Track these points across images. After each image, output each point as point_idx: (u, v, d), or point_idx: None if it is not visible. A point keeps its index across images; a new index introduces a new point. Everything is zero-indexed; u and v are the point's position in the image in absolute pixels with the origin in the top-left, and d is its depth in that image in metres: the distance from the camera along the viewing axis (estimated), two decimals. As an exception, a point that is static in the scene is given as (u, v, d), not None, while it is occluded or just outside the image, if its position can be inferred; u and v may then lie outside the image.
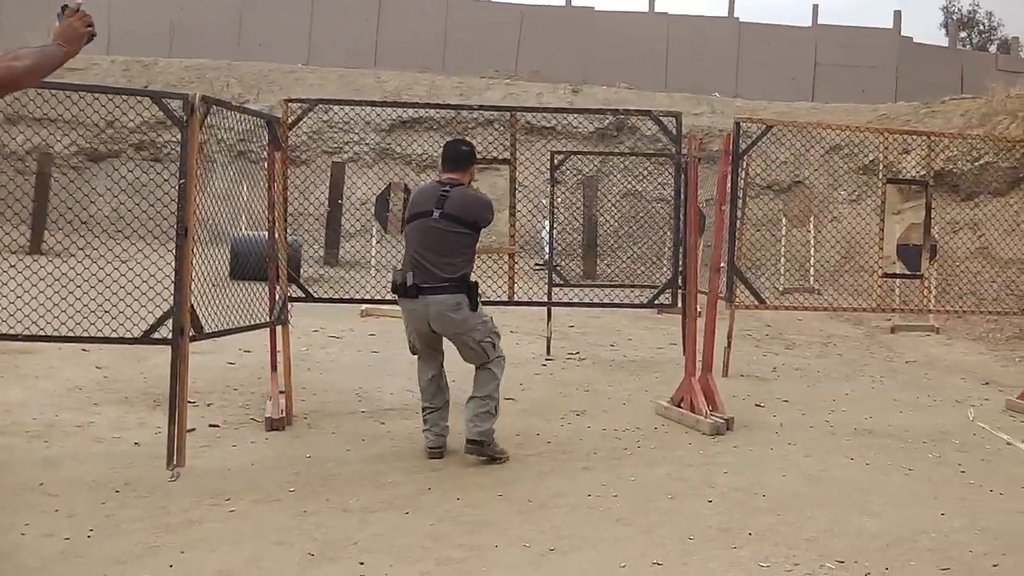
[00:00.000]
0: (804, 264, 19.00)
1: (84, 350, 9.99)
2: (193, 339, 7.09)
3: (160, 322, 7.23)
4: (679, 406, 8.88)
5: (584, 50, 28.16)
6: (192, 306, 7.00)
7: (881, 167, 9.51)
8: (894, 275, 9.88)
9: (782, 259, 19.39)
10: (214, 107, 7.31)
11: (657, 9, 29.19)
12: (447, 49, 28.02)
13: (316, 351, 11.57)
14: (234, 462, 7.03)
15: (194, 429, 7.59)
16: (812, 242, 18.62)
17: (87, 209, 17.22)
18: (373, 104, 9.76)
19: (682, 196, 9.24)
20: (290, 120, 8.80)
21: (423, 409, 7.52)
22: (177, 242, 6.88)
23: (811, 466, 7.44)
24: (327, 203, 19.66)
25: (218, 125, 7.61)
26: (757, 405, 9.56)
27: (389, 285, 7.49)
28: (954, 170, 19.38)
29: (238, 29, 29.08)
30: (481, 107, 10.78)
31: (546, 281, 12.37)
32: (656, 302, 8.86)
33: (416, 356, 7.58)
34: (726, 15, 29.10)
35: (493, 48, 27.83)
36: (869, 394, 10.37)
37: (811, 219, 18.88)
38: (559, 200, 13.63)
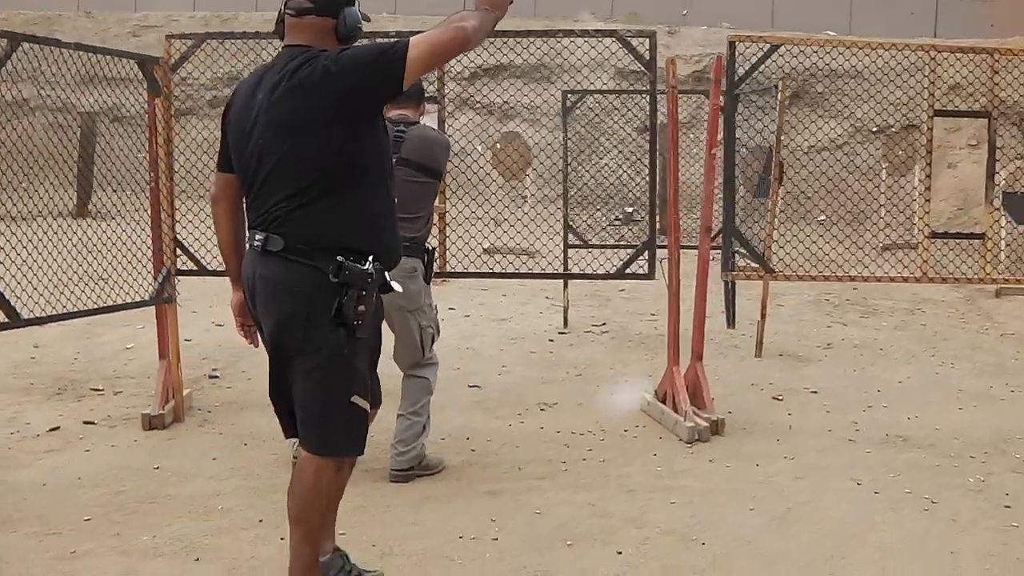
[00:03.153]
0: (910, 217, 16.61)
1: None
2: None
3: None
4: (663, 402, 7.00)
5: (686, -11, 25.92)
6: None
7: (928, 95, 7.35)
8: (945, 235, 7.73)
9: (882, 211, 17.07)
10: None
11: (764, -58, 26.69)
12: (539, -11, 26.03)
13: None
14: (66, 474, 5.81)
15: (58, 428, 6.69)
16: (919, 192, 16.24)
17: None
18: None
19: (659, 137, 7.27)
20: (173, 60, 7.15)
21: None
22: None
23: (796, 495, 5.54)
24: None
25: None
26: (775, 398, 7.62)
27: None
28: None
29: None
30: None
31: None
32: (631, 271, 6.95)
33: None
34: (837, -53, 26.52)
35: (588, -12, 25.76)
36: (929, 382, 8.28)
37: (917, 166, 16.48)
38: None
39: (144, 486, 5.58)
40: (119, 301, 6.81)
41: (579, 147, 15.72)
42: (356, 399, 3.74)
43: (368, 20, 3.88)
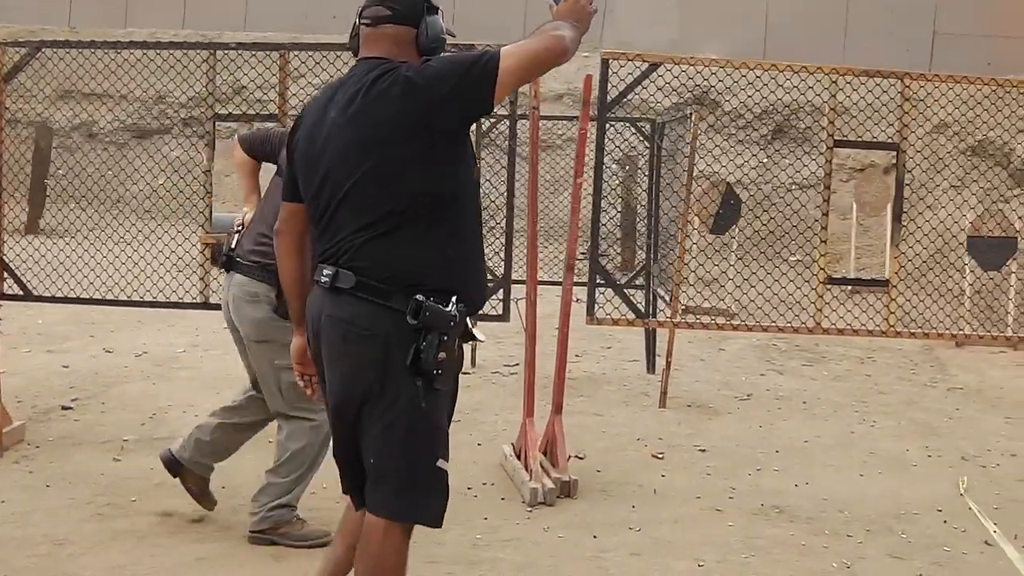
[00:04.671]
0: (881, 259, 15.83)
1: None
2: None
3: None
4: (518, 457, 6.22)
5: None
6: None
7: (826, 122, 6.55)
8: (844, 280, 6.91)
9: (852, 252, 16.27)
10: None
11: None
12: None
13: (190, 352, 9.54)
14: None
15: None
16: (888, 233, 15.45)
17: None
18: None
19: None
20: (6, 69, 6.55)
21: None
22: None
23: (619, 576, 4.72)
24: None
25: None
26: (654, 456, 6.80)
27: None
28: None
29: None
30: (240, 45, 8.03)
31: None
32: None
33: None
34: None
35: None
36: (839, 442, 7.44)
37: (888, 206, 15.69)
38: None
39: None
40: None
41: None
42: (441, 463, 3.32)
43: (452, 36, 3.51)
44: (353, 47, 3.44)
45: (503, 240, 6.47)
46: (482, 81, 3.12)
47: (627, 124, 10.77)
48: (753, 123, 21.07)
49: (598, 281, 6.25)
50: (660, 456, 6.78)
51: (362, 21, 3.38)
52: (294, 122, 3.54)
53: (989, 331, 11.99)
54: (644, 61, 6.17)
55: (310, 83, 21.37)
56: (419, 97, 3.14)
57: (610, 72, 6.13)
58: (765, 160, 19.76)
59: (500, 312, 6.17)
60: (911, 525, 5.72)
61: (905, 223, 15.90)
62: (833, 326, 6.70)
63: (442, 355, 3.16)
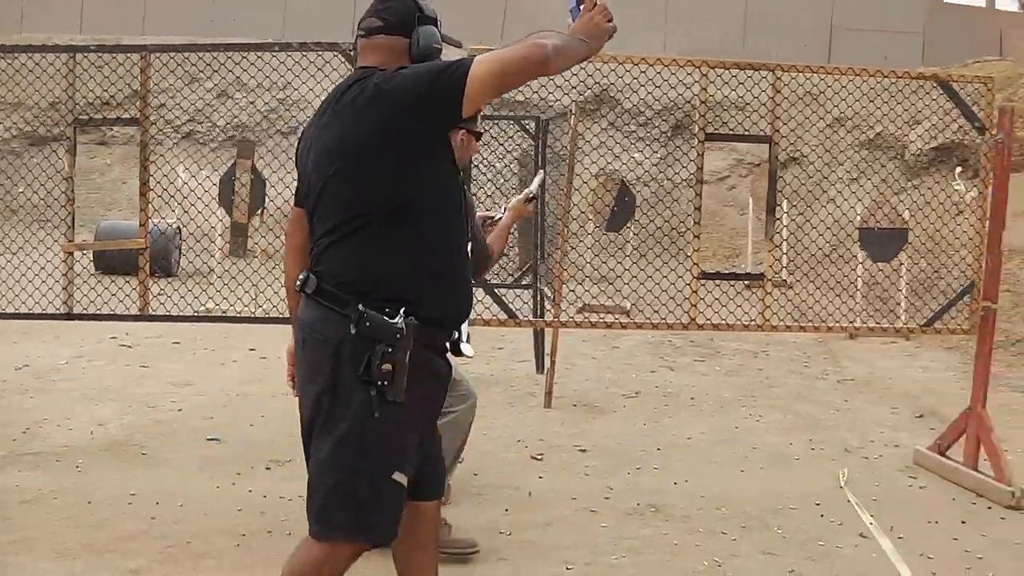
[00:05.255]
0: (780, 253, 15.87)
1: None
2: None
3: None
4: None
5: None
6: None
7: (698, 116, 6.46)
8: (717, 275, 6.81)
9: (749, 247, 16.34)
10: None
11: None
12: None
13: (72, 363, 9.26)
14: None
15: None
16: (784, 227, 15.52)
17: None
18: None
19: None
20: None
21: None
22: None
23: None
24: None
25: None
26: (533, 458, 6.70)
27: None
28: (964, 141, 16.20)
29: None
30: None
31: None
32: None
33: None
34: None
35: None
36: (723, 438, 7.40)
37: (785, 202, 15.78)
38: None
39: None
40: None
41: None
42: (397, 476, 3.18)
43: (459, 45, 3.55)
44: (352, 59, 3.52)
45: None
46: (450, 89, 3.04)
47: (512, 123, 10.63)
48: (653, 120, 21.12)
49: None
50: (539, 457, 6.67)
51: (358, 32, 3.40)
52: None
53: (879, 323, 12.08)
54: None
55: (208, 86, 21.10)
56: (385, 103, 3.09)
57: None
58: (666, 156, 19.77)
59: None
60: (788, 520, 5.67)
61: (795, 217, 16.03)
62: (708, 321, 6.59)
63: (387, 367, 3.07)
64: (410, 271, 3.18)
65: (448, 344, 3.36)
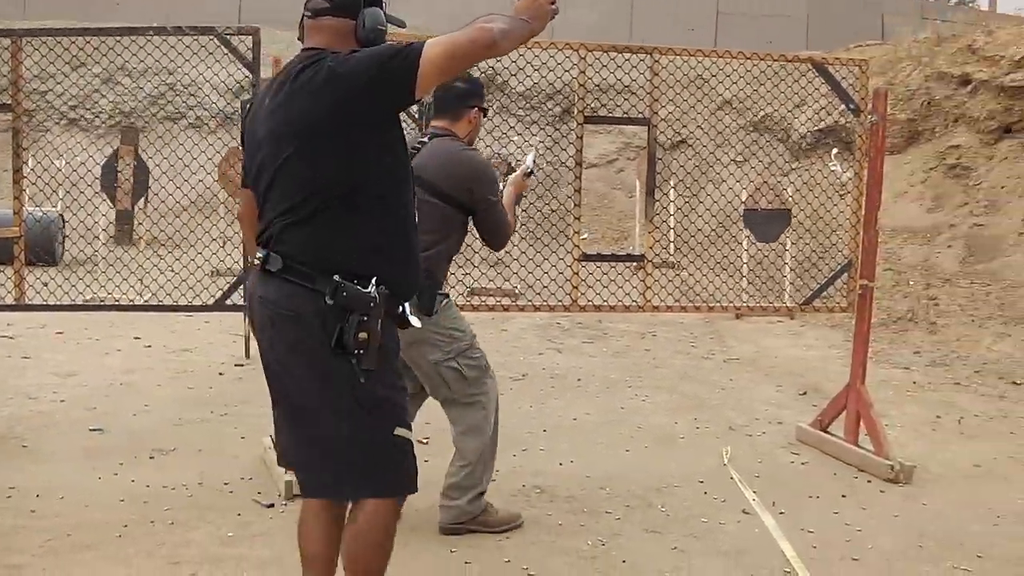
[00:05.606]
0: (666, 235, 16.02)
1: None
2: None
3: None
4: (276, 449, 5.98)
5: None
6: None
7: (577, 99, 6.46)
8: (599, 256, 6.87)
9: (637, 229, 16.45)
10: None
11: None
12: None
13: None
14: None
15: None
16: (673, 209, 15.68)
17: None
18: None
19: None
20: None
21: None
22: None
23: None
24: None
25: None
26: (419, 442, 6.60)
27: None
28: (845, 122, 16.48)
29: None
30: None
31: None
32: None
33: None
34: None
35: None
36: (609, 419, 7.45)
37: (671, 183, 15.92)
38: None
39: None
40: None
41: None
42: (400, 431, 3.43)
43: (402, 25, 3.64)
44: (301, 37, 3.50)
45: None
46: (403, 72, 3.14)
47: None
48: (546, 103, 21.17)
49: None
50: (425, 441, 6.62)
51: (305, 12, 3.46)
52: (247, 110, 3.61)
53: (772, 302, 12.28)
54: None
55: (96, 71, 20.64)
56: (338, 86, 3.18)
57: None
58: (560, 140, 19.81)
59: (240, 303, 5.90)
60: (671, 498, 5.73)
61: (686, 200, 16.20)
62: (590, 303, 6.62)
63: (362, 335, 3.22)
64: (372, 249, 3.33)
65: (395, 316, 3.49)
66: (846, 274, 6.72)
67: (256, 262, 3.37)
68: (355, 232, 3.32)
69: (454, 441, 5.11)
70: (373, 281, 3.28)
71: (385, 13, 3.49)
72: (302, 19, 3.51)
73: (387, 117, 3.33)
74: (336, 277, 3.24)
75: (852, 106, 6.61)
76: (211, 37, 5.98)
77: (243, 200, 3.67)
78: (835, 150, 15.76)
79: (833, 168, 14.70)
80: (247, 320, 9.15)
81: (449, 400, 5.06)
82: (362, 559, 3.47)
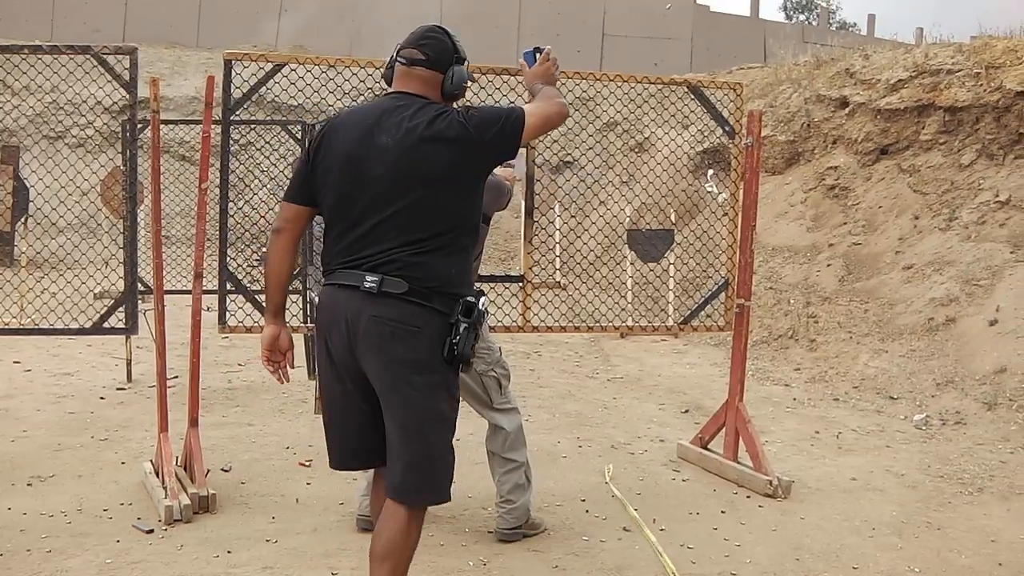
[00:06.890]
0: (550, 252, 16.09)
1: None
2: None
3: None
4: (156, 474, 5.91)
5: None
6: None
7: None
8: (479, 278, 6.86)
9: (522, 249, 16.48)
10: None
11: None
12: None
13: None
14: None
15: None
16: (557, 230, 15.77)
17: None
18: None
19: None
20: None
21: None
22: None
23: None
24: None
25: None
26: (302, 464, 6.63)
27: None
28: (729, 145, 16.73)
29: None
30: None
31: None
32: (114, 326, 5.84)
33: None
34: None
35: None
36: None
37: (557, 204, 16.03)
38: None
39: None
40: None
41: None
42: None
43: (474, 80, 4.18)
44: (387, 77, 3.94)
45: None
46: (513, 134, 3.77)
47: (281, 127, 10.51)
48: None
49: (228, 288, 5.97)
50: (307, 464, 6.59)
51: (399, 59, 3.87)
52: (319, 134, 3.85)
53: (655, 321, 12.41)
54: (268, 62, 5.93)
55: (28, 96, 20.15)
56: (469, 141, 3.67)
57: (233, 73, 5.84)
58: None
59: (127, 326, 5.80)
60: (553, 517, 5.76)
61: (568, 220, 16.33)
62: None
63: (477, 345, 3.72)
64: (463, 273, 3.78)
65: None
66: (724, 293, 6.82)
67: (368, 285, 3.63)
68: (464, 259, 3.77)
69: (499, 450, 5.40)
70: (482, 300, 3.74)
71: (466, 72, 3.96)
72: (392, 61, 3.90)
73: (493, 167, 3.87)
74: (470, 298, 3.69)
75: (727, 128, 6.73)
76: (87, 56, 5.86)
77: (286, 214, 3.90)
78: (711, 171, 16.01)
79: (709, 189, 14.94)
80: (128, 344, 9.06)
81: (489, 407, 5.37)
82: (403, 553, 3.82)
